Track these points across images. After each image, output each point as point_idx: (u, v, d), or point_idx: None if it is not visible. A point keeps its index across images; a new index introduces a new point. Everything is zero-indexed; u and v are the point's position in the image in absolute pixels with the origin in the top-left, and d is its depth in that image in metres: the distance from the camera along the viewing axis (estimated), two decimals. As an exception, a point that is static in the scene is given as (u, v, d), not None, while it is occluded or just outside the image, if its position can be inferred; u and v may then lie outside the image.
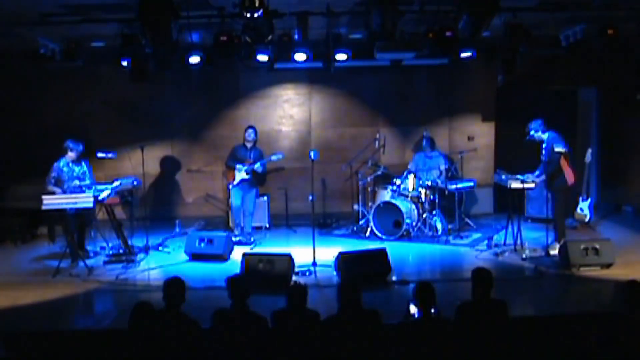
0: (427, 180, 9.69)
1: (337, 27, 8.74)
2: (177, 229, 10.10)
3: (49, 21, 7.76)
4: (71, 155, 8.28)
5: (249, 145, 9.43)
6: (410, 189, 9.59)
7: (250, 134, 9.41)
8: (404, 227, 9.22)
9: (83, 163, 8.42)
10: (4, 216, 9.72)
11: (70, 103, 10.75)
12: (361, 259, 7.37)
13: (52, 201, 7.83)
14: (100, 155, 8.67)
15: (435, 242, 9.18)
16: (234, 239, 9.03)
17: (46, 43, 8.45)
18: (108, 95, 10.80)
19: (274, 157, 9.47)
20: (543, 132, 8.22)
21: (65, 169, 8.22)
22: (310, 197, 8.17)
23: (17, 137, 10.64)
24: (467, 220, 10.04)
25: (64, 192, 8.10)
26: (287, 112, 11.22)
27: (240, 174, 9.31)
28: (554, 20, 8.31)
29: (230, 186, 9.48)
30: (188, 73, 10.29)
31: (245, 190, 9.42)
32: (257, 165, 9.25)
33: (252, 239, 9.38)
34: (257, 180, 9.55)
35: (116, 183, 8.37)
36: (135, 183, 8.71)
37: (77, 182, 8.25)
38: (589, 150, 9.38)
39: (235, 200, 9.50)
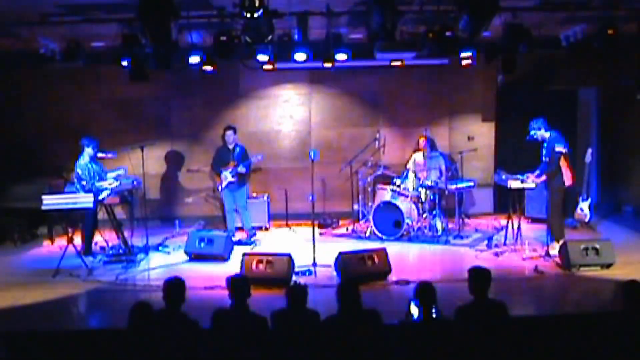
0: (427, 180, 9.70)
1: (337, 27, 8.74)
2: (177, 229, 10.10)
3: (49, 21, 7.76)
4: (89, 151, 8.34)
5: (230, 146, 9.45)
6: (410, 189, 9.59)
7: (229, 136, 9.45)
8: (404, 227, 9.22)
9: (98, 164, 8.59)
10: (4, 216, 9.72)
11: (70, 103, 10.75)
12: (361, 259, 7.37)
13: (52, 201, 7.84)
14: (100, 155, 8.68)
15: (435, 242, 9.18)
16: (234, 238, 9.04)
17: (46, 43, 8.44)
18: (108, 95, 10.81)
19: (253, 160, 9.51)
20: (545, 131, 8.22)
21: (84, 167, 8.29)
22: (310, 197, 8.16)
23: (17, 137, 10.65)
24: (467, 220, 10.03)
25: (85, 190, 8.18)
26: (287, 112, 11.22)
27: (227, 178, 9.37)
28: (554, 20, 8.31)
29: (220, 188, 9.55)
30: (188, 73, 10.28)
31: (234, 190, 9.49)
32: (240, 168, 9.32)
33: (252, 239, 9.39)
34: (243, 180, 9.59)
35: (120, 171, 8.58)
36: (135, 183, 8.72)
37: (95, 181, 8.33)
38: (589, 150, 9.37)
39: (227, 203, 9.61)
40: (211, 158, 10.77)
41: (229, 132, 9.48)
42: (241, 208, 9.61)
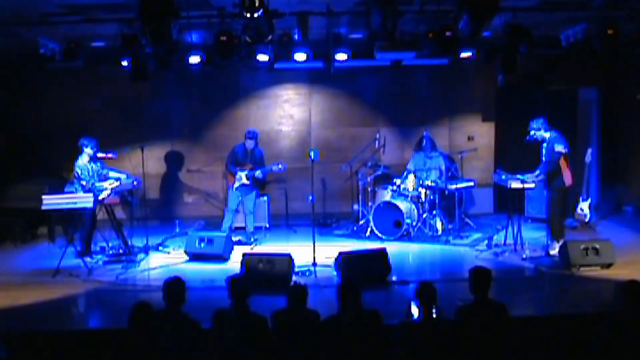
0: (427, 180, 9.69)
1: (337, 27, 8.74)
2: (177, 229, 10.10)
3: (49, 21, 7.76)
4: (88, 151, 8.35)
5: (249, 148, 9.38)
6: (410, 189, 9.59)
7: (250, 145, 9.34)
8: (404, 227, 9.21)
9: (98, 163, 8.56)
10: (4, 216, 9.71)
11: (70, 103, 10.75)
12: (361, 259, 7.37)
13: (52, 201, 7.85)
14: (100, 155, 8.67)
15: (435, 242, 9.18)
16: (234, 238, 9.04)
17: (46, 43, 8.44)
18: (108, 95, 10.81)
19: (274, 168, 9.36)
20: (545, 132, 8.22)
21: (83, 167, 8.30)
22: (310, 197, 8.16)
23: (17, 137, 10.65)
24: (467, 220, 10.03)
25: (85, 190, 8.19)
26: (287, 112, 11.22)
27: (241, 179, 9.32)
28: (554, 20, 8.31)
29: (232, 188, 9.49)
30: (188, 73, 10.29)
31: (244, 193, 9.42)
32: (257, 173, 9.24)
33: (252, 239, 9.38)
34: (257, 185, 9.56)
35: (122, 175, 8.56)
36: (135, 183, 8.72)
37: (95, 180, 8.34)
38: (589, 150, 9.38)
39: (231, 202, 9.52)
40: (211, 158, 10.82)
41: (250, 142, 9.30)
42: (247, 211, 9.55)
